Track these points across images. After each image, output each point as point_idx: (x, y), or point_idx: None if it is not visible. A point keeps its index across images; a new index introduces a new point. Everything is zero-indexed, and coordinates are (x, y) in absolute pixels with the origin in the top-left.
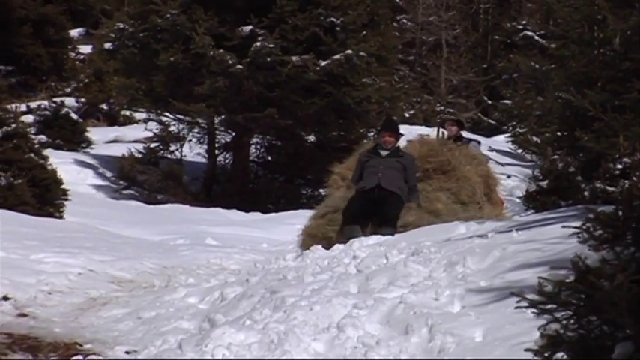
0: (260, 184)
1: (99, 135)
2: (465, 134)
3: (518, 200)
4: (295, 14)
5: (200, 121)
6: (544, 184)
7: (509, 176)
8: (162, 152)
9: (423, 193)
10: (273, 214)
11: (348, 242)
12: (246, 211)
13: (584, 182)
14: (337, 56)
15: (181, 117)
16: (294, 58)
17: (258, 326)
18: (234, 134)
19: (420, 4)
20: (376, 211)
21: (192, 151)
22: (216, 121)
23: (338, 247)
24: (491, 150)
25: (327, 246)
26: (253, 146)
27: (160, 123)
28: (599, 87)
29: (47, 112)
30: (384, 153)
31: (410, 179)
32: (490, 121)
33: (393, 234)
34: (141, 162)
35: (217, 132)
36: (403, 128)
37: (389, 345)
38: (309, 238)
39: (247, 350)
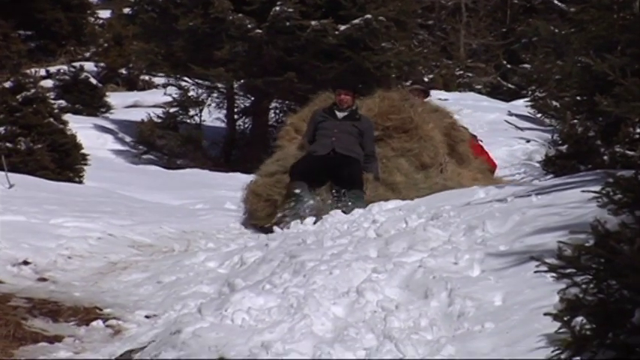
0: None
1: (118, 100)
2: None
3: (537, 165)
4: None
5: (219, 85)
6: (563, 148)
7: (528, 140)
8: (181, 117)
9: (382, 160)
10: None
11: (298, 199)
12: None
13: (604, 146)
14: (356, 20)
15: (200, 82)
16: (313, 23)
17: (277, 290)
18: (253, 99)
19: None
20: (333, 175)
21: (212, 116)
22: (236, 85)
23: (357, 212)
24: (511, 114)
25: (269, 208)
26: (272, 111)
27: (179, 88)
28: (619, 51)
29: (66, 77)
30: (340, 114)
31: (367, 145)
32: (509, 85)
33: (362, 197)
34: (160, 127)
35: (236, 97)
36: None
37: (408, 309)
38: (253, 196)
39: (267, 314)
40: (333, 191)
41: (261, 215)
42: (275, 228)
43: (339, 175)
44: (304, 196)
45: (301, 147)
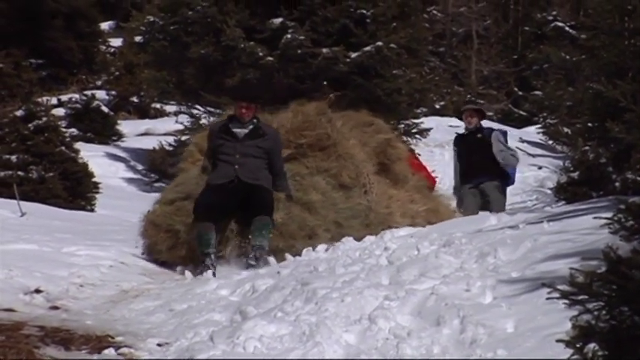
0: None
1: (129, 128)
2: (489, 124)
3: (549, 191)
4: (325, 6)
5: (231, 113)
6: (575, 175)
7: (540, 167)
8: None
9: (295, 177)
10: None
11: (205, 241)
12: None
13: (616, 173)
14: (367, 48)
15: (212, 109)
16: (324, 50)
17: (289, 318)
18: None
19: None
20: (241, 205)
21: None
22: None
23: (369, 239)
24: (522, 141)
25: (170, 240)
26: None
27: (191, 115)
28: (630, 77)
29: (78, 105)
30: (240, 132)
31: (275, 164)
32: (521, 112)
33: (271, 224)
34: (171, 154)
35: None
36: (433, 120)
37: (420, 337)
38: (152, 228)
39: (279, 342)
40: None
41: (162, 248)
42: (287, 255)
43: (247, 205)
44: (208, 237)
45: (203, 170)
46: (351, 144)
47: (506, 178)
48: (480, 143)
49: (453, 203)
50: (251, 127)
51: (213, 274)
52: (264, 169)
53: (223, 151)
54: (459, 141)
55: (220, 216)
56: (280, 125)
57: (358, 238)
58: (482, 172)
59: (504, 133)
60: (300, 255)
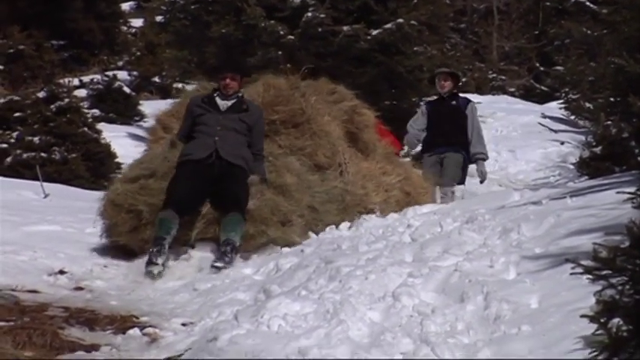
0: None
1: (151, 108)
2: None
3: (571, 167)
4: None
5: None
6: (597, 150)
7: (562, 143)
8: None
9: (269, 158)
10: None
11: (162, 233)
12: None
13: (638, 147)
14: (388, 25)
15: None
16: (345, 28)
17: (313, 296)
18: None
19: None
20: (215, 190)
21: None
22: None
23: (392, 216)
24: (544, 117)
25: (132, 221)
26: None
27: None
28: None
29: (100, 86)
30: (223, 104)
31: (256, 142)
32: (543, 87)
33: (243, 219)
34: None
35: None
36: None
37: (444, 313)
38: (113, 208)
39: (303, 320)
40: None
41: (122, 230)
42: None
43: (222, 193)
44: (169, 226)
45: (172, 144)
46: (325, 120)
47: (468, 151)
48: (453, 111)
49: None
50: (234, 100)
51: (156, 272)
52: (245, 148)
53: (203, 122)
54: (431, 106)
55: (192, 209)
56: (250, 99)
57: (334, 223)
58: (449, 142)
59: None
60: (276, 243)
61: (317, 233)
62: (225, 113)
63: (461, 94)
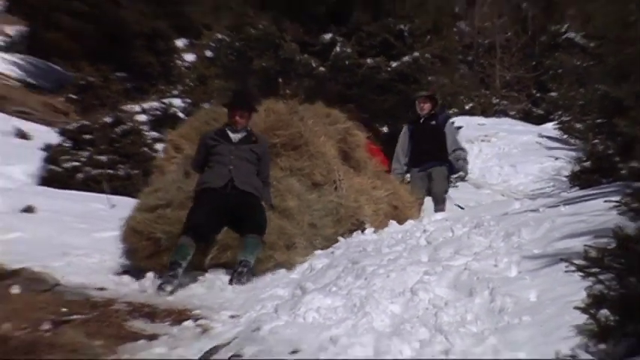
0: None
1: None
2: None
3: (564, 179)
4: (369, 23)
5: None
6: (587, 164)
7: (556, 158)
8: None
9: (273, 182)
10: None
11: (180, 257)
12: None
13: (622, 162)
14: (406, 58)
15: None
16: (368, 61)
17: (342, 292)
18: None
19: (476, 13)
20: (234, 219)
21: None
22: None
23: (410, 222)
24: (541, 136)
25: (151, 247)
26: None
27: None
28: (633, 80)
29: (158, 112)
30: (234, 137)
31: (263, 170)
32: (539, 111)
33: (260, 243)
34: None
35: None
36: (463, 119)
37: (455, 306)
38: (133, 234)
39: (334, 313)
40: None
41: (142, 255)
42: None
43: (239, 219)
44: (187, 251)
45: (187, 174)
46: (321, 141)
47: (451, 164)
48: (432, 131)
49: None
50: (245, 133)
51: (169, 290)
52: (255, 176)
53: (218, 152)
54: (413, 128)
55: (210, 234)
56: (253, 124)
57: (330, 235)
58: (432, 158)
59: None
60: (282, 266)
61: (315, 246)
62: (237, 144)
63: (461, 115)
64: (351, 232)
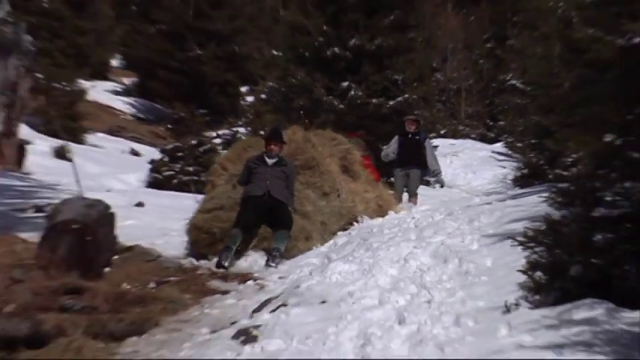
0: None
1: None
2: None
3: (509, 182)
4: (374, 74)
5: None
6: (525, 171)
7: (504, 167)
8: None
9: (295, 193)
10: None
11: (231, 243)
12: None
13: (549, 170)
14: (399, 98)
15: None
16: (373, 100)
17: (356, 260)
18: None
19: (448, 67)
20: (269, 218)
21: None
22: None
23: (403, 212)
24: (493, 152)
25: (208, 239)
26: None
27: None
28: (557, 113)
29: (227, 137)
30: (270, 161)
31: (290, 185)
32: (491, 134)
33: (288, 235)
34: None
35: None
36: (440, 141)
37: (435, 270)
38: (195, 230)
39: (350, 275)
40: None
41: (202, 245)
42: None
43: (273, 219)
44: (236, 238)
45: (234, 186)
46: (327, 162)
47: (425, 168)
48: (415, 144)
49: (391, 190)
50: (277, 159)
51: (226, 266)
52: (284, 189)
53: (258, 172)
54: (402, 139)
55: (252, 229)
56: (287, 158)
57: (335, 230)
58: (412, 163)
59: (430, 145)
60: (301, 252)
61: (325, 239)
62: (272, 166)
63: (438, 138)
64: (349, 224)
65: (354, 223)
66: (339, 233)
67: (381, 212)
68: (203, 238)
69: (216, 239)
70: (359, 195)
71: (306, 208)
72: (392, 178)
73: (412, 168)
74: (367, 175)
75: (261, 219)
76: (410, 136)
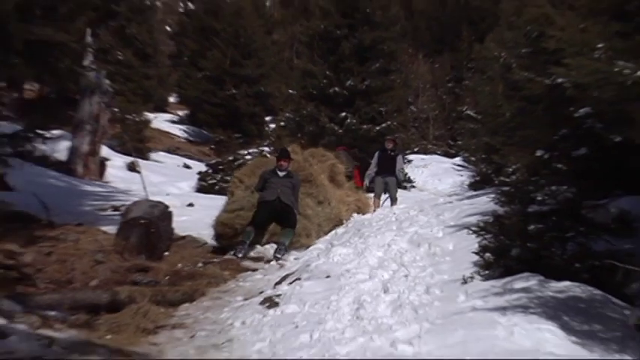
0: None
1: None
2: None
3: (466, 186)
4: (365, 107)
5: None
6: (477, 178)
7: (462, 175)
8: None
9: (299, 201)
10: None
11: (246, 238)
12: None
13: (495, 177)
14: (384, 125)
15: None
16: (364, 126)
17: (352, 246)
18: None
19: (419, 101)
20: (279, 218)
21: None
22: None
23: (385, 209)
24: (454, 164)
25: (231, 232)
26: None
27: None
28: (500, 135)
29: (255, 154)
30: (280, 174)
31: (295, 193)
32: (452, 151)
33: (293, 233)
34: None
35: None
36: (413, 156)
37: (411, 252)
38: (221, 226)
39: (347, 257)
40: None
41: (226, 237)
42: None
43: (281, 219)
44: (250, 235)
45: (252, 192)
46: (321, 177)
47: (397, 177)
48: (391, 158)
49: (369, 194)
50: (286, 172)
51: (240, 256)
52: (292, 196)
53: (271, 182)
54: (381, 154)
55: (265, 226)
56: (294, 171)
57: (327, 230)
58: (388, 172)
59: (404, 157)
60: (303, 245)
61: (320, 237)
62: (282, 178)
63: (412, 154)
64: (336, 226)
65: (343, 223)
66: (340, 225)
67: (360, 212)
68: (227, 232)
69: (237, 233)
70: (342, 201)
71: (307, 212)
72: (372, 184)
73: (388, 176)
74: (350, 183)
75: (272, 219)
76: (388, 152)
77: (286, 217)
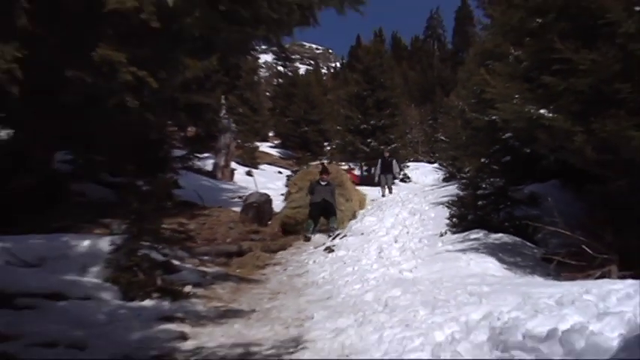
0: None
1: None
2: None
3: (441, 181)
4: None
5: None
6: (447, 175)
7: (438, 174)
8: None
9: (336, 199)
10: None
11: (309, 227)
12: None
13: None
14: (392, 145)
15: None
16: (381, 147)
17: (375, 216)
18: None
19: (412, 131)
20: (325, 213)
21: None
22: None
23: (394, 194)
24: (435, 168)
25: (294, 223)
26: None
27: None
28: (460, 150)
29: (318, 164)
30: (323, 184)
31: (333, 196)
32: (432, 160)
33: (336, 219)
34: None
35: None
36: (410, 163)
37: (410, 219)
38: (287, 218)
39: (374, 222)
40: (325, 221)
41: (289, 228)
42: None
43: (327, 213)
44: (311, 224)
45: (305, 196)
46: (348, 183)
47: (393, 174)
48: (388, 163)
49: (369, 192)
50: (326, 182)
51: (308, 237)
52: (332, 197)
53: (317, 189)
54: (382, 159)
55: (318, 218)
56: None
57: (351, 218)
58: (387, 171)
59: (398, 162)
60: (339, 228)
61: (349, 223)
62: (324, 186)
63: (410, 162)
64: (353, 217)
65: (356, 216)
66: (369, 205)
67: (360, 206)
68: (290, 222)
69: (298, 225)
70: (351, 198)
71: (341, 207)
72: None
73: (387, 174)
74: (354, 186)
75: (321, 214)
76: (386, 158)
77: (330, 211)
